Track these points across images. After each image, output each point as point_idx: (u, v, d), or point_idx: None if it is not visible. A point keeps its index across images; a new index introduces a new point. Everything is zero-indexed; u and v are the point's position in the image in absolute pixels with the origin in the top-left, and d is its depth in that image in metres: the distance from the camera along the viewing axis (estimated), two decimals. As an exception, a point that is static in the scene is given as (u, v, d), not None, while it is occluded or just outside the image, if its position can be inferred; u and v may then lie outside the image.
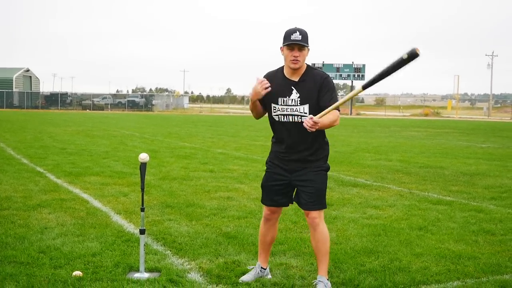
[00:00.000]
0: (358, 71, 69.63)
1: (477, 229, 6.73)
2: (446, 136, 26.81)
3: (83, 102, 71.08)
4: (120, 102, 73.68)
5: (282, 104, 4.43)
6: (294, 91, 4.41)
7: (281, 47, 4.45)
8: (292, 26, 4.46)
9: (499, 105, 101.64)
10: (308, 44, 4.38)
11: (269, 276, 4.86)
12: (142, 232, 4.85)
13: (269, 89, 4.38)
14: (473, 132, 31.26)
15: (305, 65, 4.48)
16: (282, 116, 4.46)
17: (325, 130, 4.55)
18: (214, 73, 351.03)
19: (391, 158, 14.94)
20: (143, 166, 4.83)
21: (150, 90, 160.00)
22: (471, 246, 5.99)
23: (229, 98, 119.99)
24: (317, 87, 4.40)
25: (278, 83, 4.47)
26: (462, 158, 15.30)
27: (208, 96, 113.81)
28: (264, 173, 4.77)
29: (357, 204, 8.24)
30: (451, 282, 4.77)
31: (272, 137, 4.70)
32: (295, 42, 4.31)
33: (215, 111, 72.19)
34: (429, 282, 4.75)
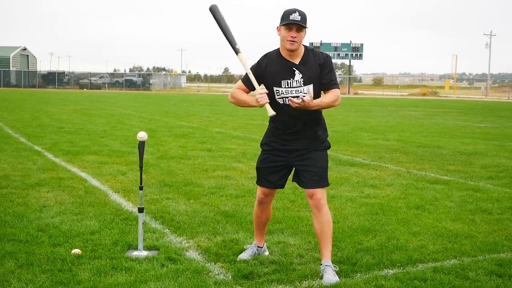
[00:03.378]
0: (356, 50, 69.38)
1: (474, 208, 6.77)
2: (444, 115, 26.81)
3: (80, 81, 70.92)
4: (117, 81, 73.49)
5: (286, 86, 4.36)
6: (297, 72, 4.35)
7: (277, 27, 4.37)
8: (290, 7, 4.39)
9: (497, 85, 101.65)
10: (306, 25, 4.31)
11: (266, 253, 4.89)
12: (140, 210, 4.86)
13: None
14: (471, 112, 31.26)
15: (303, 47, 4.42)
16: (287, 99, 4.38)
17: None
18: (211, 52, 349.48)
19: (388, 138, 14.95)
20: (141, 144, 4.83)
21: (148, 69, 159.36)
22: (468, 225, 6.02)
23: (226, 78, 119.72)
24: (319, 66, 4.36)
25: (278, 66, 4.39)
26: (459, 138, 15.33)
27: (205, 76, 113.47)
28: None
29: (354, 183, 8.26)
30: (448, 261, 4.79)
31: (270, 120, 4.58)
32: (294, 22, 4.24)
33: (213, 91, 72.06)
34: (426, 261, 4.78)
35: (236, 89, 4.56)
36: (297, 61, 4.37)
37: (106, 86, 69.77)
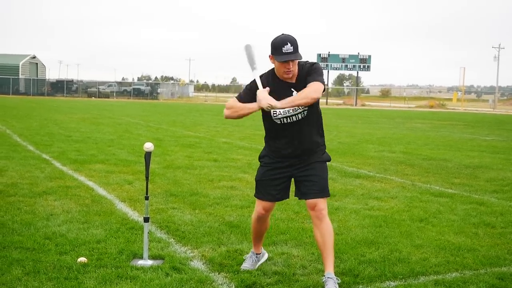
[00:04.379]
0: (364, 61, 69.46)
1: (477, 222, 6.80)
2: (451, 128, 26.80)
3: (88, 89, 71.30)
4: (125, 90, 73.87)
5: None
6: (294, 92, 4.35)
7: (270, 56, 4.35)
8: (279, 34, 4.34)
9: (505, 97, 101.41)
10: (299, 51, 4.27)
11: (266, 255, 5.00)
12: (146, 220, 4.93)
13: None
14: (478, 124, 31.22)
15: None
16: (285, 119, 4.40)
17: (321, 120, 4.58)
18: (219, 62, 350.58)
19: (394, 150, 14.99)
20: (147, 155, 4.90)
21: (156, 78, 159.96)
22: (471, 238, 6.05)
23: (234, 87, 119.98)
24: (308, 75, 4.35)
25: (275, 87, 4.38)
26: (465, 151, 15.34)
27: (213, 85, 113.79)
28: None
29: (359, 195, 8.31)
30: (449, 274, 4.84)
31: (267, 137, 4.62)
32: (289, 58, 4.21)
33: (220, 100, 72.19)
34: (428, 273, 4.82)
35: (232, 101, 4.53)
36: (293, 80, 4.39)
37: (114, 94, 70.12)
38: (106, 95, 69.65)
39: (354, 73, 78.10)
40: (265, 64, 4.60)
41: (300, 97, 4.23)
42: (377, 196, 8.24)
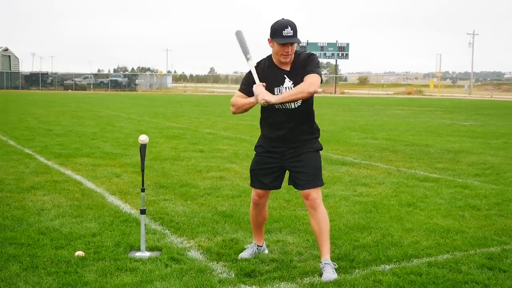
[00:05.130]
0: (342, 50, 69.77)
1: (463, 205, 6.95)
2: (430, 114, 27.12)
3: (65, 82, 70.39)
4: (102, 81, 73.22)
5: (278, 93, 4.44)
6: (287, 79, 4.45)
7: (269, 39, 4.41)
8: (280, 18, 4.42)
9: (479, 83, 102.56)
10: (298, 36, 4.37)
11: (266, 251, 5.01)
12: (142, 212, 4.96)
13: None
14: (456, 110, 31.63)
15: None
16: (279, 105, 4.47)
17: (313, 110, 4.64)
18: (196, 52, 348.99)
19: (377, 137, 15.15)
20: (143, 147, 4.94)
21: (132, 69, 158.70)
22: (458, 221, 6.19)
23: (212, 77, 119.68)
24: (304, 67, 4.44)
25: (270, 73, 4.48)
26: (446, 136, 15.57)
27: (191, 76, 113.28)
28: (252, 155, 4.85)
29: (347, 182, 8.42)
30: (441, 255, 4.96)
31: (261, 123, 4.70)
32: (289, 41, 4.30)
33: (200, 91, 72.01)
34: (421, 256, 4.94)
35: (235, 97, 4.63)
36: (288, 67, 4.47)
37: (91, 87, 69.44)
38: (83, 88, 68.92)
39: (332, 61, 78.33)
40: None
41: (297, 92, 4.31)
42: (364, 183, 8.35)
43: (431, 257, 4.92)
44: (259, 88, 4.37)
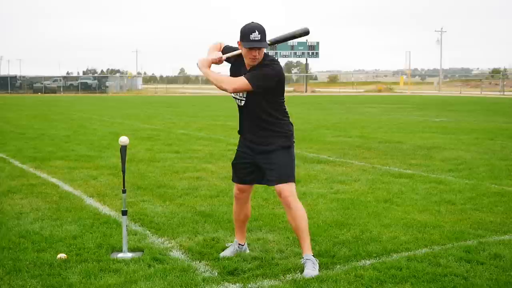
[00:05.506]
0: (312, 48, 70.15)
1: (438, 200, 7.10)
2: (401, 111, 27.47)
3: (34, 85, 69.37)
4: (72, 84, 72.22)
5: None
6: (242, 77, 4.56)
7: (238, 41, 4.52)
8: (248, 22, 4.51)
9: (448, 79, 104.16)
10: (266, 40, 4.48)
11: (247, 251, 5.07)
12: (124, 213, 4.96)
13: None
14: (426, 107, 32.09)
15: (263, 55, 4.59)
16: (237, 100, 4.69)
17: (285, 107, 4.74)
18: (166, 53, 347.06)
19: (350, 135, 15.31)
20: (123, 149, 4.95)
21: (102, 71, 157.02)
22: (434, 215, 6.33)
23: (183, 78, 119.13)
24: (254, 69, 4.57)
25: (236, 65, 4.69)
26: (418, 133, 15.81)
27: (161, 77, 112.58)
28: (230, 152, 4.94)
29: (323, 179, 8.52)
30: (419, 250, 5.07)
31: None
32: (255, 46, 4.40)
33: (171, 92, 71.61)
34: (400, 250, 5.04)
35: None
36: (248, 67, 4.58)
37: (61, 89, 68.57)
38: (53, 90, 68.00)
39: (302, 60, 78.71)
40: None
41: (214, 76, 4.57)
42: (340, 180, 8.46)
43: (410, 251, 5.03)
44: (203, 57, 4.66)
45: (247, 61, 4.55)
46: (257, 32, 4.39)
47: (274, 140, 4.64)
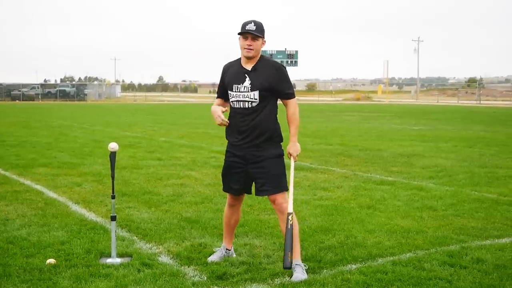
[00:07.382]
0: (291, 57, 70.35)
1: (420, 206, 7.24)
2: (380, 119, 27.77)
3: (12, 92, 68.59)
4: (49, 92, 71.58)
5: (236, 90, 4.70)
6: (247, 78, 4.68)
7: (239, 37, 4.69)
8: (248, 19, 4.75)
9: (425, 88, 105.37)
10: (262, 35, 4.65)
11: (234, 256, 5.13)
12: (113, 218, 5.01)
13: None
14: (404, 115, 32.48)
15: (260, 55, 4.75)
16: (236, 102, 4.71)
17: (275, 115, 4.86)
18: (144, 61, 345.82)
19: (331, 142, 15.46)
20: (112, 155, 4.99)
21: (80, 79, 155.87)
22: (417, 221, 6.46)
23: (161, 86, 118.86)
24: (271, 75, 4.67)
25: (234, 71, 4.76)
26: (397, 140, 16.03)
27: (140, 85, 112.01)
28: (219, 161, 5.01)
29: (306, 186, 8.62)
30: (404, 254, 5.18)
31: (226, 128, 4.85)
32: (248, 31, 4.59)
33: (150, 100, 71.35)
34: (385, 255, 5.15)
35: (213, 106, 4.83)
36: (249, 68, 4.70)
37: (39, 97, 67.92)
38: (31, 98, 67.29)
39: (282, 68, 78.81)
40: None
41: (295, 126, 5.20)
42: (323, 187, 8.57)
43: (394, 256, 5.14)
44: (213, 108, 4.74)
45: (243, 53, 4.67)
46: (253, 24, 4.64)
47: (268, 146, 4.75)
